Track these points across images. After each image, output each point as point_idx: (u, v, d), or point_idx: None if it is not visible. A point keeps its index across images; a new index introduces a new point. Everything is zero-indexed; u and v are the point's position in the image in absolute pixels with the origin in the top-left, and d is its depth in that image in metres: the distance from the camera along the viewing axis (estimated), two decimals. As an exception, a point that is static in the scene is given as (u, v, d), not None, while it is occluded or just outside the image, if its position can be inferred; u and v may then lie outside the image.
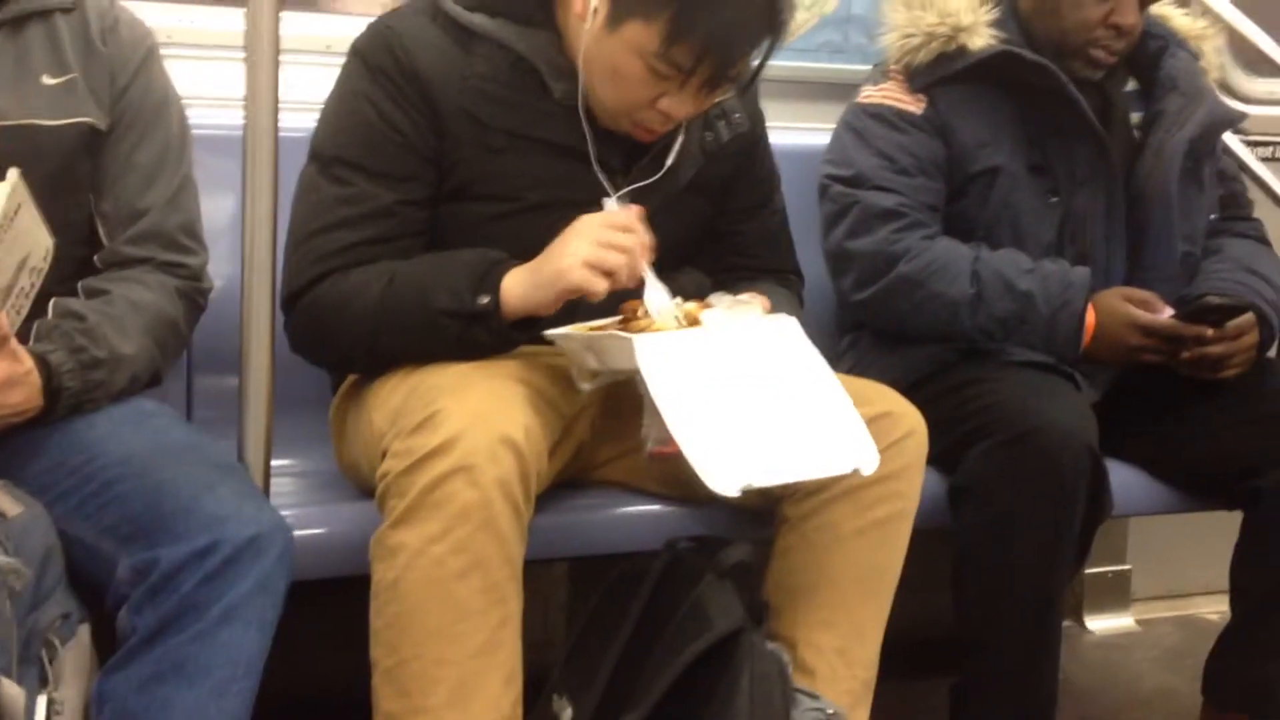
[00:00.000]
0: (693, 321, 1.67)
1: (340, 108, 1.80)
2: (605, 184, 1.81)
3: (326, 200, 1.76)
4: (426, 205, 1.80)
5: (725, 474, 1.52)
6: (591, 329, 1.71)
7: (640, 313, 1.68)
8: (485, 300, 1.68)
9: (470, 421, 1.54)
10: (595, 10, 1.71)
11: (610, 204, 1.73)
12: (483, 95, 1.77)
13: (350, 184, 1.76)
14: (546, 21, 1.79)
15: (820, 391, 1.65)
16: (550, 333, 1.72)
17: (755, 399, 1.61)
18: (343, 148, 1.78)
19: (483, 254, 1.73)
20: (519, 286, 1.69)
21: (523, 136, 1.79)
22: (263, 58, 1.55)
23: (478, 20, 1.78)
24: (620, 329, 1.67)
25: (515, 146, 1.79)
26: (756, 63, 1.77)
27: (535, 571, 1.69)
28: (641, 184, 1.83)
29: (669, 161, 1.85)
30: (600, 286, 1.64)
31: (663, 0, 1.65)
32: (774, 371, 1.64)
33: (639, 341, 1.58)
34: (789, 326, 1.70)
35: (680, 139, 1.86)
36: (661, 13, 1.65)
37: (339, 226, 1.75)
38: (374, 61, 1.77)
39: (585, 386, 1.74)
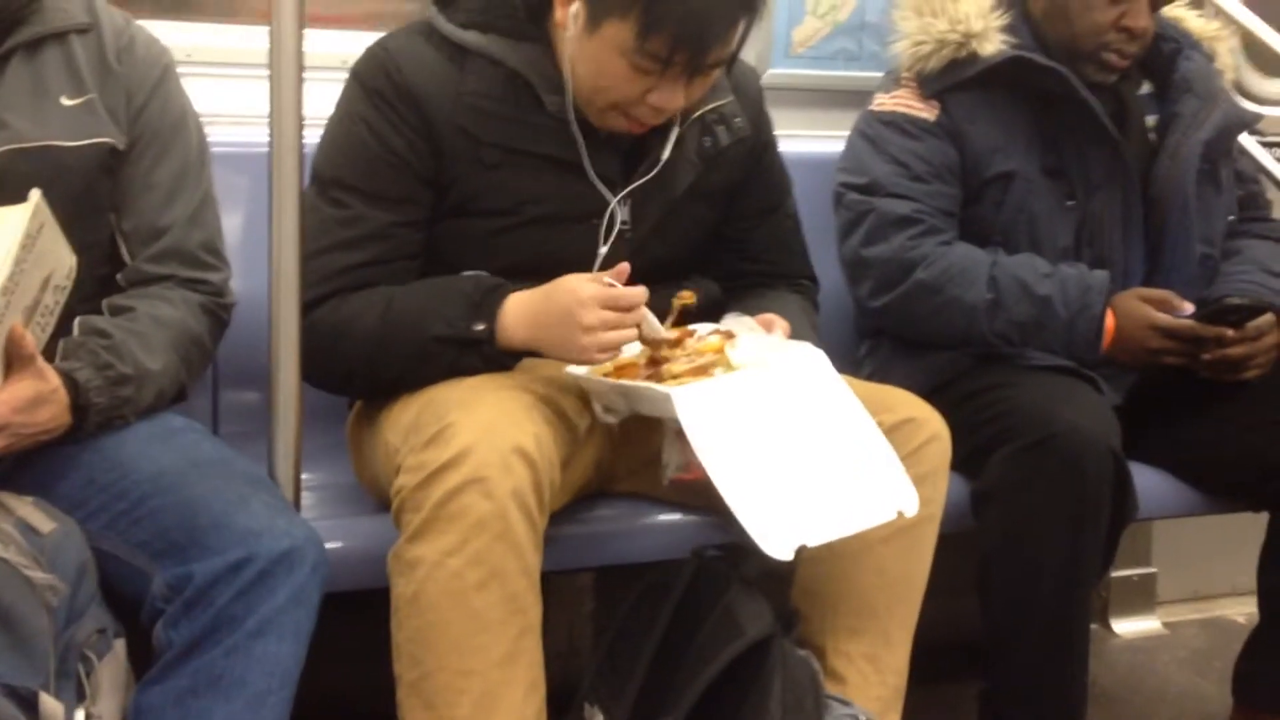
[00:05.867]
0: (718, 354, 1.68)
1: (338, 130, 1.83)
2: (604, 193, 1.82)
3: (326, 222, 1.78)
4: (421, 227, 1.82)
5: (779, 536, 1.52)
6: (619, 368, 1.71)
7: (663, 351, 1.69)
8: (480, 328, 1.70)
9: (481, 434, 1.55)
10: (575, 15, 1.72)
11: (606, 278, 1.68)
12: (476, 111, 1.79)
13: (347, 206, 1.78)
14: (539, 35, 1.80)
15: (855, 432, 1.66)
16: (576, 374, 1.73)
17: (796, 450, 1.61)
18: (340, 170, 1.80)
19: (477, 280, 1.74)
20: (522, 328, 1.70)
21: (517, 151, 1.80)
22: (287, 74, 1.56)
23: (470, 37, 1.80)
24: (647, 370, 1.68)
25: (510, 161, 1.80)
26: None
27: (560, 582, 1.69)
28: (637, 184, 1.83)
29: (664, 156, 1.85)
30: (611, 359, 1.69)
31: None
32: (810, 414, 1.65)
33: (678, 395, 1.58)
34: (816, 358, 1.71)
35: (674, 134, 1.86)
36: (633, 8, 1.66)
37: (335, 249, 1.77)
38: (370, 84, 1.80)
39: (609, 419, 1.74)
